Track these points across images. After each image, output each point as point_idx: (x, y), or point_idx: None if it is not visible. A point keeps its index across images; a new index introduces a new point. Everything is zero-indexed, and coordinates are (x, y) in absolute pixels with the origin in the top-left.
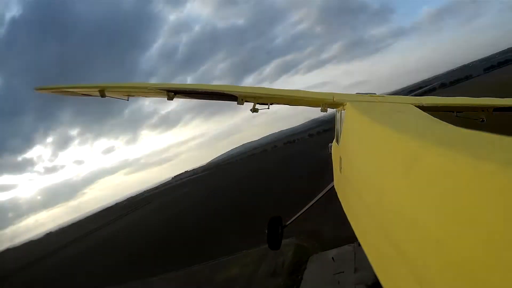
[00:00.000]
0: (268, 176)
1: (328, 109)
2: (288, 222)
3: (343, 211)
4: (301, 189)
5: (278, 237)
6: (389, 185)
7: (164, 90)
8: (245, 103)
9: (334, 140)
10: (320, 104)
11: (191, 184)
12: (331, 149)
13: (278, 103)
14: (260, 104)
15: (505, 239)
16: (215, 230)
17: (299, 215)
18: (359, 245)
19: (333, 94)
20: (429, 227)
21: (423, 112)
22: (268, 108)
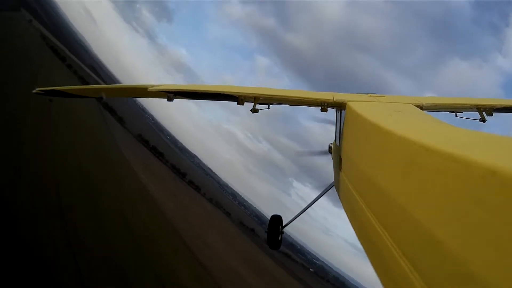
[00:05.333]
0: None
1: (328, 109)
2: (288, 222)
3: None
4: None
5: (278, 236)
6: (389, 185)
7: (164, 91)
8: (245, 103)
9: (334, 140)
10: (320, 104)
11: None
12: (331, 149)
13: (278, 104)
14: (260, 104)
15: (505, 239)
16: None
17: (299, 214)
18: None
19: (333, 94)
20: (429, 228)
21: (423, 112)
22: (268, 108)
